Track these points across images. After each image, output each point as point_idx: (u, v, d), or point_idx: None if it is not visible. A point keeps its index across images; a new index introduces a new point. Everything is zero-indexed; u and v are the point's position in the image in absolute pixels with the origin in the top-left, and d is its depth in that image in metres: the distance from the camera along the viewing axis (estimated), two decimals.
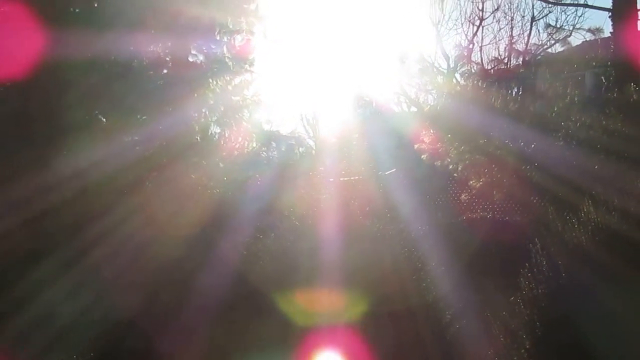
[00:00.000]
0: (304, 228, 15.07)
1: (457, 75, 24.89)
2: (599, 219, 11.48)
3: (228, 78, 15.37)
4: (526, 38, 24.54)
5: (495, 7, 24.64)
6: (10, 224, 11.33)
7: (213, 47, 15.21)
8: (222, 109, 15.39)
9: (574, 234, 11.52)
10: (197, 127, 14.83)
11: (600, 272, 10.60)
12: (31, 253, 11.51)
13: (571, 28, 23.59)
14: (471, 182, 16.44)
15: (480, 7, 24.93)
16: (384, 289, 13.39)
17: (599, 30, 22.56)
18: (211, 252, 13.38)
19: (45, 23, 11.57)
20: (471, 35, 25.03)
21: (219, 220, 13.88)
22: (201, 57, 14.99)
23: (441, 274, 13.84)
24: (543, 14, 24.18)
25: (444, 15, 25.11)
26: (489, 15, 24.95)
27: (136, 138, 13.51)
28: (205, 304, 12.80)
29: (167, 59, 14.22)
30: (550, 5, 22.74)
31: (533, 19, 24.30)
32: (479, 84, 20.43)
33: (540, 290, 11.17)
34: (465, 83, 23.16)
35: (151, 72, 13.82)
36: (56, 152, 11.94)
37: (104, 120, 13.08)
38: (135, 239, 12.39)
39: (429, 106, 23.28)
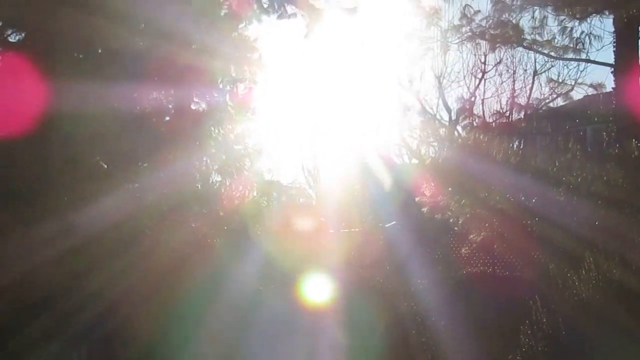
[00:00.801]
0: (305, 279, 15.00)
1: (459, 128, 24.91)
2: (600, 275, 11.41)
3: (230, 126, 15.38)
4: (528, 92, 24.58)
5: (498, 60, 24.69)
6: (10, 275, 11.26)
7: (216, 95, 15.24)
8: (224, 157, 15.37)
9: (574, 291, 11.45)
10: (198, 176, 14.82)
11: (601, 329, 10.51)
12: (31, 304, 11.44)
13: (573, 82, 23.66)
14: (472, 235, 16.35)
15: (482, 60, 24.98)
16: (384, 342, 13.31)
17: (600, 85, 22.63)
18: (212, 302, 13.30)
19: (47, 73, 11.59)
20: (473, 88, 25.10)
21: (220, 269, 13.80)
22: (204, 105, 15.02)
23: (441, 328, 13.74)
24: (545, 68, 24.25)
25: (446, 68, 25.09)
26: (492, 69, 25.01)
27: (137, 185, 13.48)
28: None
29: (170, 106, 14.25)
30: (552, 60, 22.80)
31: (535, 72, 24.35)
32: (481, 136, 20.38)
33: (539, 348, 11.09)
34: (467, 135, 23.13)
35: (153, 120, 13.83)
36: (58, 200, 11.89)
37: (106, 167, 13.05)
38: (137, 289, 12.31)
39: (430, 158, 23.21)
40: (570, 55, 20.58)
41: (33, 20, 12.48)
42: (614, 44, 18.92)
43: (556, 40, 20.02)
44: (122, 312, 12.23)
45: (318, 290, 14.77)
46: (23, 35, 13.44)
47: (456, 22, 20.69)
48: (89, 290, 11.81)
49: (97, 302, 11.89)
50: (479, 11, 19.97)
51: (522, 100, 24.45)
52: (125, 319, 12.23)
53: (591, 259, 11.78)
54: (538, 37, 20.07)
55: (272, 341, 13.72)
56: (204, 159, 14.87)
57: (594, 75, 29.88)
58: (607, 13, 18.19)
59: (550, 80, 24.15)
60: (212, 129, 14.92)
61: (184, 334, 12.56)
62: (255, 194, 16.84)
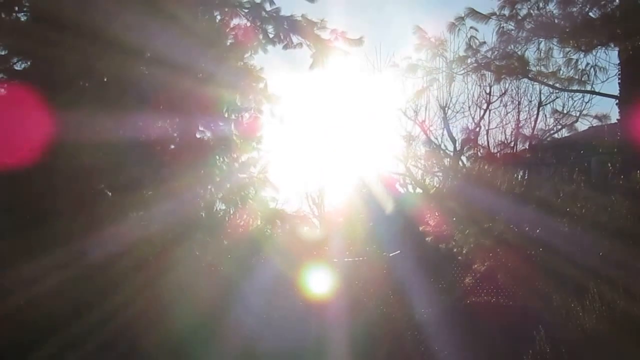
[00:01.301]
0: (309, 308, 14.98)
1: (464, 158, 24.88)
2: (604, 306, 11.40)
3: (235, 155, 15.41)
4: (533, 122, 24.54)
5: (503, 91, 24.70)
6: (13, 304, 11.28)
7: (221, 124, 15.28)
8: (228, 186, 15.39)
9: (578, 321, 11.43)
10: (202, 204, 14.82)
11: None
12: (34, 334, 11.43)
13: (578, 114, 23.60)
14: (476, 265, 16.34)
15: (487, 91, 24.99)
16: None
17: (605, 116, 22.58)
18: (216, 331, 13.29)
19: (52, 101, 11.65)
20: (478, 118, 25.07)
21: (224, 299, 13.80)
22: (209, 134, 15.05)
23: (445, 358, 13.71)
24: (550, 99, 24.22)
25: (451, 98, 25.10)
26: (496, 99, 25.00)
27: (142, 214, 13.50)
28: None
29: (175, 135, 14.29)
30: (557, 91, 22.83)
31: (540, 104, 24.34)
32: (485, 167, 20.39)
33: None
34: (471, 166, 23.13)
35: (158, 148, 13.87)
36: (62, 229, 11.90)
37: (110, 195, 13.08)
38: (140, 320, 12.30)
39: (434, 188, 23.25)
40: (575, 87, 20.62)
41: (38, 49, 12.56)
42: (619, 76, 18.97)
43: (561, 72, 20.07)
44: (126, 342, 12.20)
45: (322, 318, 14.75)
46: (28, 63, 13.52)
47: (461, 53, 20.75)
48: (93, 319, 11.80)
49: (101, 331, 11.87)
50: (485, 42, 20.02)
51: (526, 131, 24.44)
52: (129, 349, 12.20)
53: (595, 289, 11.77)
54: (543, 69, 20.12)
55: None
56: (209, 187, 14.88)
57: (598, 106, 29.78)
58: (612, 45, 18.25)
59: (555, 111, 24.15)
60: (217, 157, 14.96)
61: None
62: (259, 222, 16.84)
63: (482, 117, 25.07)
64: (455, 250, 16.73)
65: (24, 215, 12.12)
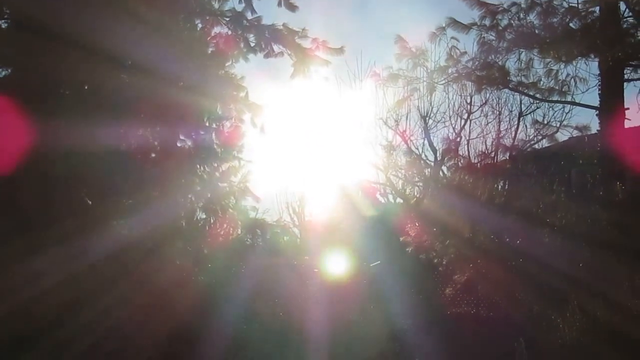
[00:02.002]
0: (289, 318, 14.94)
1: (444, 168, 24.89)
2: (584, 317, 11.43)
3: (215, 164, 15.38)
4: (513, 133, 24.50)
5: (484, 101, 24.67)
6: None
7: (202, 133, 15.25)
8: (209, 195, 15.35)
9: (559, 333, 11.46)
10: (183, 213, 14.77)
11: None
12: (16, 342, 11.35)
13: (558, 124, 23.61)
14: (456, 276, 16.35)
15: (468, 101, 24.97)
16: None
17: (586, 127, 22.60)
18: (197, 339, 13.24)
19: (33, 109, 11.56)
20: (459, 128, 25.03)
21: (204, 307, 13.74)
22: (189, 143, 15.01)
23: None
24: (530, 110, 24.18)
25: (432, 108, 25.07)
26: (477, 109, 24.93)
27: (122, 222, 13.43)
28: None
29: (155, 143, 14.22)
30: (538, 102, 22.87)
31: (520, 114, 24.31)
32: (466, 177, 20.42)
33: None
34: (452, 176, 23.16)
35: (139, 157, 13.80)
36: (43, 238, 11.81)
37: (90, 203, 13.00)
38: (120, 330, 12.23)
39: (415, 198, 23.25)
40: (556, 98, 20.63)
41: (18, 57, 12.48)
42: (599, 87, 19.03)
43: (542, 83, 20.10)
44: (107, 349, 12.13)
45: (302, 327, 14.72)
46: (8, 71, 13.43)
47: (442, 63, 20.72)
48: (73, 327, 11.72)
49: (81, 338, 11.79)
50: (466, 53, 20.03)
51: (507, 142, 24.41)
52: (109, 356, 12.14)
53: (575, 300, 11.80)
54: (524, 79, 20.16)
55: None
56: (189, 196, 14.84)
57: (579, 117, 29.80)
58: (592, 56, 18.31)
59: (535, 121, 24.15)
60: (198, 166, 14.93)
61: None
62: (240, 231, 16.80)
63: (462, 127, 25.02)
64: (435, 260, 16.75)
65: (2, 224, 12.02)
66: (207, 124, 15.31)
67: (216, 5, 15.49)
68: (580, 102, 20.66)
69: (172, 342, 12.76)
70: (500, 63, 19.53)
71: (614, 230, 13.70)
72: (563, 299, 12.22)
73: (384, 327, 15.01)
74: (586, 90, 20.01)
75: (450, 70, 20.52)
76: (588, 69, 19.27)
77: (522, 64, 19.71)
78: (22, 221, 12.06)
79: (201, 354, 13.06)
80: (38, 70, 12.41)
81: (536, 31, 18.32)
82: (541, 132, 24.20)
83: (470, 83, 22.27)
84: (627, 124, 19.13)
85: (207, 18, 15.37)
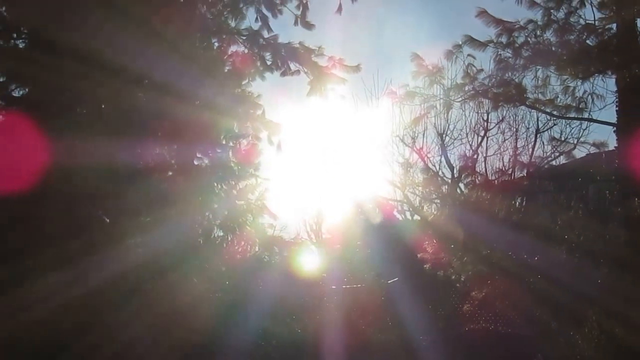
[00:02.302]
0: (307, 336, 14.92)
1: (461, 185, 24.86)
2: (602, 334, 11.37)
3: (233, 182, 15.41)
4: (530, 150, 24.51)
5: (500, 118, 24.69)
6: (14, 327, 11.21)
7: (219, 151, 15.30)
8: (226, 212, 15.38)
9: (577, 349, 11.40)
10: (200, 231, 14.80)
11: None
12: (34, 356, 11.39)
13: (575, 141, 23.57)
14: (474, 292, 16.30)
15: (485, 118, 25.01)
16: None
17: (603, 144, 22.50)
18: (214, 358, 13.23)
19: (50, 128, 11.64)
20: (476, 145, 25.06)
21: (221, 325, 13.74)
22: (206, 161, 15.06)
23: None
24: (547, 127, 24.19)
25: (448, 125, 25.09)
26: (494, 127, 24.99)
27: (139, 240, 13.47)
28: None
29: (173, 161, 14.28)
30: (554, 119, 22.82)
31: (537, 131, 24.33)
32: (483, 194, 20.38)
33: None
34: (469, 193, 23.11)
35: (156, 175, 13.86)
36: (61, 255, 11.86)
37: (108, 221, 13.06)
38: (136, 347, 12.23)
39: (432, 215, 23.22)
40: (573, 114, 20.55)
41: (36, 75, 12.57)
42: (617, 104, 18.95)
43: (559, 99, 20.02)
44: None
45: (321, 344, 14.70)
46: (26, 90, 13.53)
47: (459, 80, 20.66)
48: (89, 344, 11.74)
49: (97, 356, 11.81)
50: (482, 70, 19.98)
51: (524, 159, 24.40)
52: None
53: (594, 317, 11.74)
54: (540, 96, 20.08)
55: None
56: (207, 214, 14.87)
57: (596, 133, 29.79)
58: (609, 73, 18.25)
59: (552, 138, 24.12)
60: (215, 184, 14.96)
61: None
62: (257, 249, 16.82)
63: (479, 144, 25.06)
64: (453, 277, 16.70)
65: (20, 240, 12.08)
66: (224, 142, 15.37)
67: (232, 24, 15.58)
68: (598, 119, 20.58)
69: (188, 359, 12.75)
70: (517, 80, 19.47)
71: (632, 248, 13.63)
72: (580, 317, 12.16)
73: (402, 343, 14.96)
74: (603, 107, 19.93)
75: (466, 88, 20.47)
76: (605, 85, 19.19)
77: (539, 81, 19.64)
78: (39, 237, 12.11)
79: None
80: (56, 88, 12.50)
81: (553, 48, 18.27)
82: (558, 149, 24.16)
83: (487, 100, 22.23)
84: None
85: (224, 37, 15.46)
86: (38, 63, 12.41)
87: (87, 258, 12.01)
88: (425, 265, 17.78)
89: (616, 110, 19.05)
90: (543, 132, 24.39)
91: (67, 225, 12.38)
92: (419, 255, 18.55)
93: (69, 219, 12.46)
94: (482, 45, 19.01)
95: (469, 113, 24.99)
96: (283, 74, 15.70)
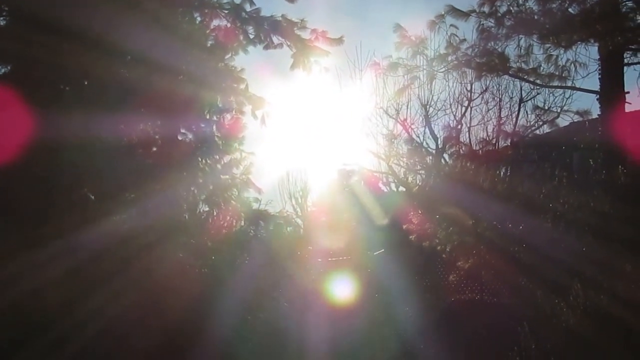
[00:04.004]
0: (293, 310, 14.96)
1: (446, 156, 24.89)
2: (588, 302, 11.43)
3: (217, 157, 15.39)
4: (514, 119, 24.52)
5: (484, 88, 24.66)
6: None
7: (202, 125, 15.27)
8: (211, 187, 15.37)
9: (563, 317, 11.46)
10: (185, 206, 14.80)
11: (590, 356, 10.52)
12: (18, 334, 11.38)
13: (559, 110, 23.61)
14: (459, 263, 16.36)
15: (468, 89, 24.98)
16: None
17: (586, 112, 22.57)
18: (200, 333, 13.25)
19: (34, 105, 11.57)
20: (460, 116, 25.05)
21: (207, 300, 13.76)
22: (190, 136, 15.03)
23: (429, 356, 13.73)
24: (531, 96, 24.19)
25: (432, 96, 25.07)
26: (478, 97, 24.95)
27: (125, 217, 13.45)
28: None
29: (157, 137, 14.24)
30: (538, 88, 22.84)
31: (521, 100, 24.33)
32: (468, 164, 20.42)
33: None
34: (453, 164, 23.15)
35: (140, 151, 13.83)
36: (44, 232, 11.84)
37: (93, 198, 13.02)
38: (122, 323, 12.24)
39: (417, 186, 23.26)
40: (556, 83, 20.60)
41: (18, 52, 12.49)
42: (599, 72, 19.00)
43: (542, 68, 20.05)
44: (110, 341, 12.13)
45: (305, 317, 14.75)
46: (9, 67, 13.45)
47: (442, 51, 20.63)
48: (73, 322, 11.73)
49: (84, 330, 11.80)
50: (465, 40, 19.95)
51: (508, 128, 24.42)
52: (110, 350, 12.14)
53: (579, 285, 11.81)
54: (524, 65, 20.09)
55: None
56: (191, 189, 14.86)
57: (579, 102, 29.78)
58: (592, 41, 18.27)
59: (536, 107, 24.16)
60: (199, 159, 14.94)
61: None
62: (242, 223, 16.82)
63: (463, 115, 25.07)
64: (438, 248, 16.76)
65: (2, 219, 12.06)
66: (207, 117, 15.34)
67: None
68: (581, 87, 20.65)
69: (174, 334, 12.77)
70: (499, 50, 19.47)
71: (616, 215, 13.69)
72: (565, 286, 12.22)
73: (388, 314, 15.03)
74: (586, 75, 19.97)
75: (449, 58, 20.47)
76: (588, 53, 19.23)
77: (522, 50, 19.66)
78: (23, 215, 12.09)
79: (203, 347, 13.08)
80: (38, 65, 12.43)
81: (535, 17, 18.26)
82: (542, 118, 24.23)
83: (470, 70, 22.28)
84: (628, 108, 19.13)
85: (206, 11, 15.36)
86: (19, 40, 12.32)
87: (71, 234, 11.98)
88: (410, 237, 17.81)
89: (599, 78, 19.13)
90: (526, 101, 24.43)
91: (51, 203, 12.35)
92: (404, 227, 18.58)
93: (52, 196, 12.43)
94: (465, 15, 18.98)
95: (453, 84, 24.99)
96: (266, 48, 15.63)
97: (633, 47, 18.22)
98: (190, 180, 14.66)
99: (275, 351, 13.82)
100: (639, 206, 13.43)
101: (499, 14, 18.59)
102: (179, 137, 14.83)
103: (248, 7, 15.32)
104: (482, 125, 24.91)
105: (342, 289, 16.30)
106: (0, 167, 11.54)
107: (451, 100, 25.17)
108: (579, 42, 18.39)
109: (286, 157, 28.74)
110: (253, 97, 15.63)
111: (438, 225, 16.90)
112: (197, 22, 15.36)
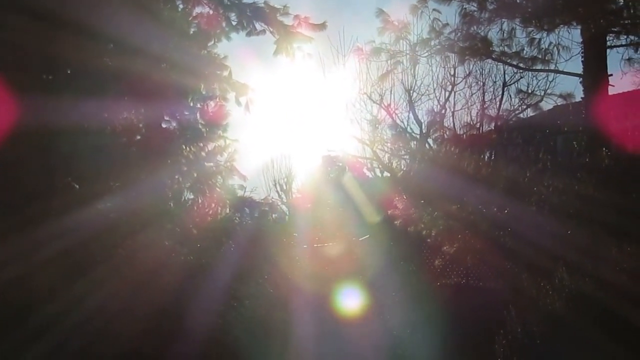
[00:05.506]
0: (278, 296, 14.95)
1: (430, 141, 24.94)
2: (572, 285, 11.46)
3: (201, 144, 15.38)
4: (498, 103, 24.59)
5: (467, 72, 24.70)
6: None
7: (186, 113, 15.26)
8: (195, 175, 15.37)
9: (548, 300, 11.50)
10: (170, 194, 14.79)
11: (575, 339, 10.56)
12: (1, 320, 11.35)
13: (542, 93, 23.69)
14: (444, 247, 16.37)
15: (452, 73, 25.00)
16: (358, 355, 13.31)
17: (570, 95, 22.68)
18: (185, 320, 13.24)
19: (16, 92, 11.49)
20: (443, 100, 25.07)
21: (193, 287, 13.75)
22: (174, 124, 15.03)
23: (416, 340, 13.75)
24: (514, 80, 24.28)
25: (415, 81, 25.07)
26: (461, 81, 24.98)
27: (109, 204, 13.41)
28: None
29: (140, 125, 14.20)
30: (521, 71, 22.90)
31: (504, 84, 24.39)
32: (452, 149, 20.43)
33: (515, 358, 11.12)
34: (438, 148, 23.19)
35: (124, 139, 13.79)
36: (29, 220, 11.78)
37: (77, 186, 12.98)
38: (107, 307, 12.21)
39: (401, 171, 23.27)
40: (539, 66, 20.65)
41: (1, 39, 12.40)
42: (582, 55, 19.04)
43: (525, 52, 20.09)
44: (91, 330, 12.10)
45: (290, 303, 14.74)
46: None
47: (425, 35, 20.67)
48: (57, 308, 11.70)
49: (63, 321, 11.78)
50: (448, 24, 19.98)
51: (492, 112, 24.51)
52: (94, 337, 12.11)
53: (563, 268, 11.84)
54: (506, 49, 20.13)
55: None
56: (176, 176, 14.84)
57: (563, 85, 29.89)
58: (574, 24, 18.29)
59: (519, 91, 24.25)
60: (183, 146, 14.92)
61: (155, 351, 12.51)
62: (227, 210, 16.81)
63: (447, 99, 25.12)
64: (423, 233, 16.76)
65: None
66: (191, 104, 15.34)
67: None
68: (564, 70, 20.71)
69: (159, 320, 12.76)
70: (482, 34, 19.49)
71: (600, 198, 13.73)
72: (550, 269, 12.26)
73: (373, 300, 15.03)
74: (569, 58, 20.03)
75: (432, 43, 20.50)
76: (571, 37, 19.28)
77: (505, 34, 19.71)
78: (4, 201, 12.01)
79: (188, 333, 13.08)
80: (20, 52, 12.35)
81: (518, 0, 18.28)
82: (526, 102, 24.33)
83: (453, 55, 22.32)
84: (611, 91, 19.21)
85: None
86: (2, 26, 12.23)
87: (55, 221, 11.94)
88: (395, 222, 17.81)
89: (582, 61, 19.17)
90: (510, 85, 24.51)
91: (33, 190, 12.29)
92: (389, 212, 18.58)
93: (35, 183, 12.38)
94: None
95: (436, 68, 25.00)
96: (249, 34, 15.61)
97: (615, 29, 18.26)
98: (174, 167, 14.64)
99: (261, 337, 13.81)
100: (622, 188, 13.48)
101: None
102: (163, 125, 14.83)
103: None
104: (466, 109, 24.98)
105: (328, 275, 16.29)
106: None
107: (435, 85, 25.22)
108: (562, 25, 18.41)
109: (270, 144, 28.80)
110: (236, 84, 15.62)
111: (423, 210, 16.90)
112: (180, 9, 15.32)
